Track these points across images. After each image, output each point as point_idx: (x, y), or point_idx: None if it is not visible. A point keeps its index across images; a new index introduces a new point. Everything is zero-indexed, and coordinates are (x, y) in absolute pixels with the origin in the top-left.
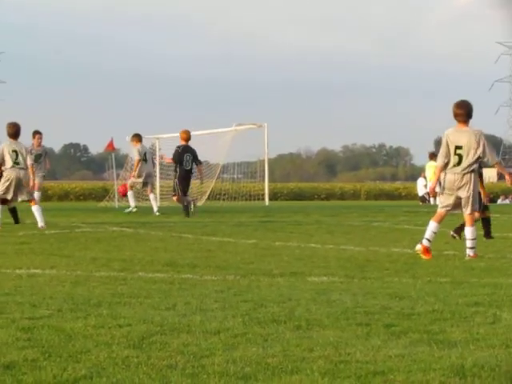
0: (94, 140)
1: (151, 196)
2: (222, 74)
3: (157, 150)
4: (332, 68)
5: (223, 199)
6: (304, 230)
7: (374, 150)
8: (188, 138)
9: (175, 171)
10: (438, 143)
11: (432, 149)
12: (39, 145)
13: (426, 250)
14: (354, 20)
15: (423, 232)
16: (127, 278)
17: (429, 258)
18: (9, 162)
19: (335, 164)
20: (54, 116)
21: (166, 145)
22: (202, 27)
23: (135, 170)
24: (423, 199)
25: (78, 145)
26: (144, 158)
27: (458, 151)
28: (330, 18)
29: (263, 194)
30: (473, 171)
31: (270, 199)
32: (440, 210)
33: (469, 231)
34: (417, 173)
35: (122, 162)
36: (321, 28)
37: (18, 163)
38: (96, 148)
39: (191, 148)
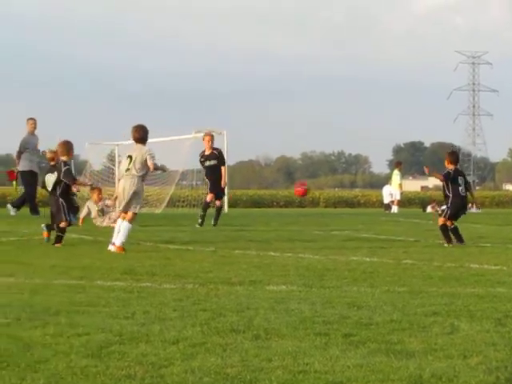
0: None
1: None
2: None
3: None
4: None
5: (182, 206)
6: (263, 237)
7: (333, 157)
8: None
9: None
10: (396, 151)
11: (390, 157)
12: None
13: None
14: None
15: (381, 241)
16: (86, 286)
17: None
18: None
19: (294, 171)
20: None
21: None
22: None
23: None
24: (387, 207)
25: None
26: None
27: None
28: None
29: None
30: None
31: (229, 206)
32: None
33: None
34: (375, 180)
35: None
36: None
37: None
38: None
39: None
